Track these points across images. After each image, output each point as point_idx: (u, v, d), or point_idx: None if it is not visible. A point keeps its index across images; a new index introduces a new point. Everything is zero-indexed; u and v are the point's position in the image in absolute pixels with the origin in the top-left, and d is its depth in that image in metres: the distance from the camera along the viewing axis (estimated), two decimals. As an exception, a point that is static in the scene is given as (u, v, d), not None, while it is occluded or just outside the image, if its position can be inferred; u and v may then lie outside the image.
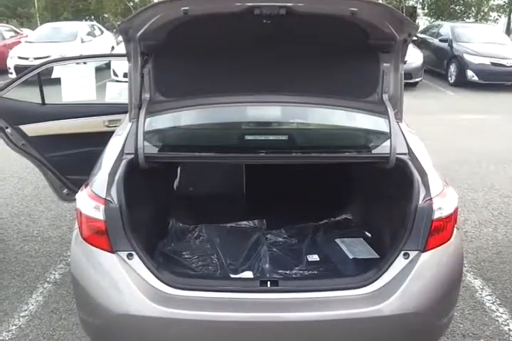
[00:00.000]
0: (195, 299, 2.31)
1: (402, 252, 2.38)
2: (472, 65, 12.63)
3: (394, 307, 2.29)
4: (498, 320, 3.43)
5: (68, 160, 4.05)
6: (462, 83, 12.80)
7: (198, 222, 3.47)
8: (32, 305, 3.56)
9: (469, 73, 12.66)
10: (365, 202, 3.48)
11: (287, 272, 2.84)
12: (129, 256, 2.35)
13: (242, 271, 2.84)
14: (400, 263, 2.38)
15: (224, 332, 2.29)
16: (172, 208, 3.50)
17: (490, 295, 3.73)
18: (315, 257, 3.06)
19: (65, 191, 4.19)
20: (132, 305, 2.29)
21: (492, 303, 3.63)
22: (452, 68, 13.29)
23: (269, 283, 2.38)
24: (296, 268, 2.88)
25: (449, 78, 13.35)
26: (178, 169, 3.83)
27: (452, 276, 2.48)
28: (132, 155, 2.65)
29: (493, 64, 12.57)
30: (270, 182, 3.70)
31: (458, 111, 10.10)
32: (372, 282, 2.36)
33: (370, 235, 3.33)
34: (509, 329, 3.33)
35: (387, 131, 2.72)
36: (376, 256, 3.03)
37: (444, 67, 13.63)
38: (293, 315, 2.27)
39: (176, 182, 3.77)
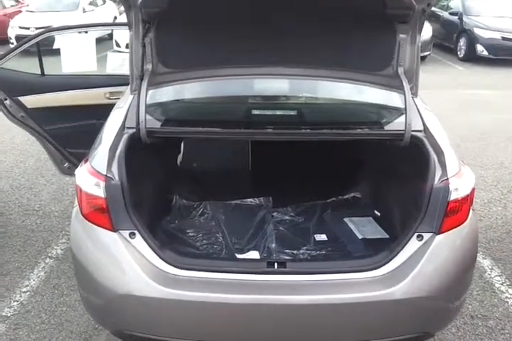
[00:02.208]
0: (199, 280, 2.23)
1: (416, 234, 2.29)
2: (482, 40, 12.31)
3: (406, 290, 2.21)
4: (508, 302, 3.37)
5: (69, 133, 3.97)
6: (471, 58, 12.50)
7: (202, 198, 3.38)
8: (33, 280, 3.52)
9: (479, 48, 12.35)
10: (375, 180, 3.37)
11: (294, 252, 2.75)
12: (131, 235, 2.26)
13: (248, 251, 2.76)
14: (413, 245, 2.29)
15: (228, 315, 2.21)
16: (175, 184, 3.41)
17: (499, 275, 3.66)
18: (323, 237, 2.97)
19: (66, 165, 4.11)
20: (134, 285, 2.22)
21: (501, 284, 3.57)
22: (462, 42, 12.96)
23: (276, 264, 2.29)
24: (303, 248, 2.79)
25: (458, 52, 13.04)
26: (182, 144, 3.72)
27: (466, 259, 2.39)
28: (134, 130, 2.54)
29: (503, 38, 12.24)
30: (276, 158, 3.58)
31: (467, 86, 9.88)
32: (384, 264, 2.27)
33: (379, 214, 3.24)
34: (519, 311, 3.27)
35: (402, 106, 2.59)
36: (386, 236, 2.94)
37: (454, 41, 13.29)
38: (301, 298, 2.19)
39: (180, 158, 3.66)
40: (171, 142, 3.22)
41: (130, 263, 2.22)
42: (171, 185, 3.36)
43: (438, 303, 2.31)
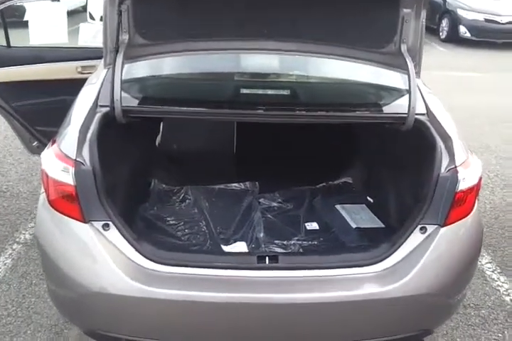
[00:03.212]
0: (181, 276, 2.02)
1: (419, 226, 2.11)
2: (465, 21, 12.16)
3: (408, 287, 2.04)
4: (499, 290, 3.28)
5: (37, 110, 3.71)
6: (454, 39, 12.35)
7: (183, 183, 3.16)
8: (-1, 268, 3.26)
9: (462, 29, 12.21)
10: (369, 165, 3.19)
11: (284, 243, 2.55)
12: (105, 226, 2.04)
13: (235, 242, 2.55)
14: (415, 238, 2.11)
15: (215, 316, 2.01)
16: (154, 168, 3.17)
17: (490, 262, 3.56)
18: (314, 225, 2.78)
19: (35, 143, 3.86)
20: (108, 282, 2.01)
21: (492, 272, 3.48)
22: (444, 23, 12.78)
23: (267, 258, 2.09)
24: (294, 239, 2.59)
25: (441, 33, 12.87)
26: (161, 124, 3.47)
27: (471, 253, 2.23)
28: (107, 108, 2.27)
29: (486, 20, 12.11)
30: (263, 140, 3.37)
31: (449, 68, 9.74)
32: (385, 259, 2.10)
33: (372, 201, 3.06)
34: (511, 300, 3.18)
35: (405, 87, 2.38)
36: (381, 225, 2.77)
37: (436, 21, 13.08)
38: (295, 296, 2.01)
39: (159, 139, 3.42)
40: (149, 122, 2.95)
41: (103, 257, 2.00)
42: (149, 168, 3.12)
43: (440, 299, 2.16)
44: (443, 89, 7.77)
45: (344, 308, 2.03)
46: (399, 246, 2.11)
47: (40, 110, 3.67)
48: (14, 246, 3.50)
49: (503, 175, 5.01)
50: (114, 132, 2.37)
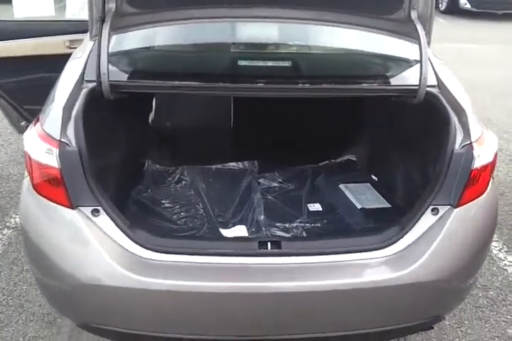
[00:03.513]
0: (177, 265, 1.88)
1: (431, 207, 1.97)
2: (465, -9, 11.91)
3: (420, 273, 1.91)
4: (507, 270, 3.19)
5: (25, 88, 3.52)
6: (453, 10, 12.12)
7: (178, 163, 3.00)
8: (-11, 255, 3.13)
9: (462, 0, 11.93)
10: (374, 141, 3.03)
11: (286, 226, 2.42)
12: (94, 212, 1.88)
13: (234, 225, 2.41)
14: (427, 220, 1.97)
15: (214, 307, 1.88)
16: (147, 147, 3.00)
17: (496, 241, 3.45)
18: (317, 206, 2.64)
19: (23, 123, 3.70)
20: (99, 273, 1.86)
21: (499, 250, 3.38)
22: (444, -6, 12.52)
23: (269, 244, 1.95)
24: (296, 221, 2.46)
25: (440, 5, 12.57)
26: (154, 100, 3.29)
27: (485, 235, 2.10)
28: (94, 84, 2.10)
29: (486, -9, 11.86)
30: (262, 116, 3.19)
31: (449, 39, 9.47)
32: (395, 242, 1.96)
33: (376, 179, 2.92)
34: (519, 280, 3.08)
35: (415, 57, 2.21)
36: (387, 205, 2.63)
37: (435, -8, 12.81)
38: (299, 284, 1.87)
39: (152, 116, 3.25)
40: (141, 98, 2.78)
41: (93, 246, 1.85)
42: (143, 148, 2.96)
43: (452, 285, 2.03)
44: (443, 62, 7.66)
45: (351, 296, 1.90)
46: (409, 229, 1.97)
47: (28, 88, 3.49)
48: (4, 231, 3.37)
49: (508, 149, 4.90)
50: (103, 109, 2.20)
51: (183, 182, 2.86)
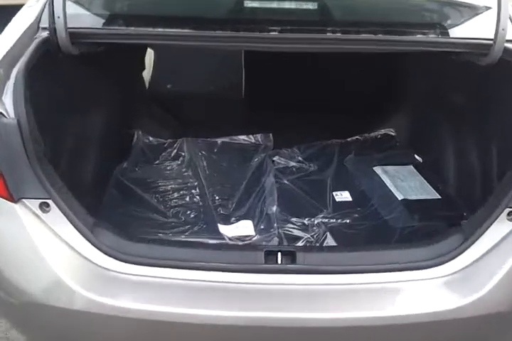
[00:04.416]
0: (155, 282, 1.38)
1: (507, 210, 1.40)
2: None
3: (489, 302, 1.38)
4: None
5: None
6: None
7: (177, 135, 2.45)
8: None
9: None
10: (419, 111, 2.43)
11: (305, 222, 1.86)
12: (43, 206, 1.39)
13: (238, 220, 1.86)
14: (501, 227, 1.42)
15: None
16: (137, 115, 2.46)
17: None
18: (345, 196, 2.07)
19: None
20: (46, 290, 1.39)
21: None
22: None
23: (280, 255, 1.41)
24: (318, 216, 1.89)
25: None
26: (152, 56, 2.74)
27: None
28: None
29: None
30: (279, 79, 2.63)
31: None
32: (453, 258, 1.41)
33: (421, 160, 2.34)
34: None
35: (484, 3, 1.59)
36: (436, 196, 2.06)
37: None
38: (321, 316, 1.35)
39: (146, 77, 2.70)
40: (128, 52, 2.20)
41: (38, 252, 1.36)
42: (131, 115, 2.41)
43: None
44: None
45: (398, 334, 1.38)
46: (475, 239, 1.42)
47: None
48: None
49: None
50: (67, 67, 1.66)
51: (180, 159, 2.31)
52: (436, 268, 1.41)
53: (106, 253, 1.41)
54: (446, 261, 1.42)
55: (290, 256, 1.42)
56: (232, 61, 2.67)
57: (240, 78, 2.71)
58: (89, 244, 1.41)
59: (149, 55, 2.82)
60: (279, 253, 1.43)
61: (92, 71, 1.91)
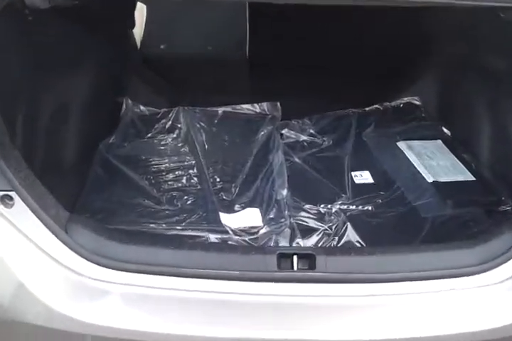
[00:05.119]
0: (141, 293, 1.14)
1: None
2: None
3: None
4: None
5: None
6: None
7: (171, 103, 2.17)
8: None
9: None
10: (447, 76, 2.14)
11: (321, 209, 1.60)
12: (5, 200, 1.14)
13: (243, 207, 1.60)
14: None
15: None
16: (126, 80, 2.17)
17: None
18: (366, 176, 1.80)
19: None
20: (9, 305, 1.14)
21: None
22: None
23: (295, 258, 1.16)
24: (336, 203, 1.63)
25: None
26: (144, 12, 2.44)
27: None
28: None
29: None
30: (289, 38, 2.33)
31: None
32: (501, 263, 1.17)
33: (449, 134, 2.06)
34: None
35: None
36: (470, 177, 1.79)
37: None
38: (351, 338, 1.11)
39: (137, 35, 2.40)
40: (111, 5, 1.89)
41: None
42: (118, 81, 2.11)
43: None
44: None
45: None
46: None
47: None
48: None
49: None
50: (38, 23, 1.38)
51: (176, 131, 2.02)
52: (478, 275, 1.17)
53: (82, 256, 1.16)
54: (491, 268, 1.17)
55: (308, 260, 1.17)
56: (235, 16, 2.39)
57: (244, 36, 2.42)
58: (62, 245, 1.17)
59: (141, 11, 2.53)
60: (295, 257, 1.17)
61: (70, 29, 1.61)
